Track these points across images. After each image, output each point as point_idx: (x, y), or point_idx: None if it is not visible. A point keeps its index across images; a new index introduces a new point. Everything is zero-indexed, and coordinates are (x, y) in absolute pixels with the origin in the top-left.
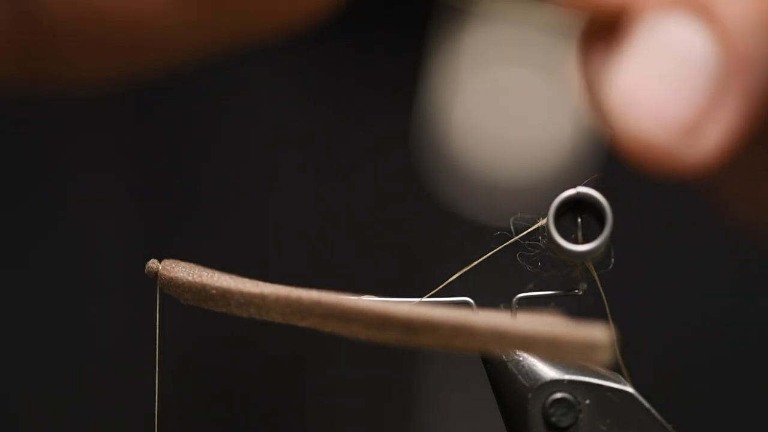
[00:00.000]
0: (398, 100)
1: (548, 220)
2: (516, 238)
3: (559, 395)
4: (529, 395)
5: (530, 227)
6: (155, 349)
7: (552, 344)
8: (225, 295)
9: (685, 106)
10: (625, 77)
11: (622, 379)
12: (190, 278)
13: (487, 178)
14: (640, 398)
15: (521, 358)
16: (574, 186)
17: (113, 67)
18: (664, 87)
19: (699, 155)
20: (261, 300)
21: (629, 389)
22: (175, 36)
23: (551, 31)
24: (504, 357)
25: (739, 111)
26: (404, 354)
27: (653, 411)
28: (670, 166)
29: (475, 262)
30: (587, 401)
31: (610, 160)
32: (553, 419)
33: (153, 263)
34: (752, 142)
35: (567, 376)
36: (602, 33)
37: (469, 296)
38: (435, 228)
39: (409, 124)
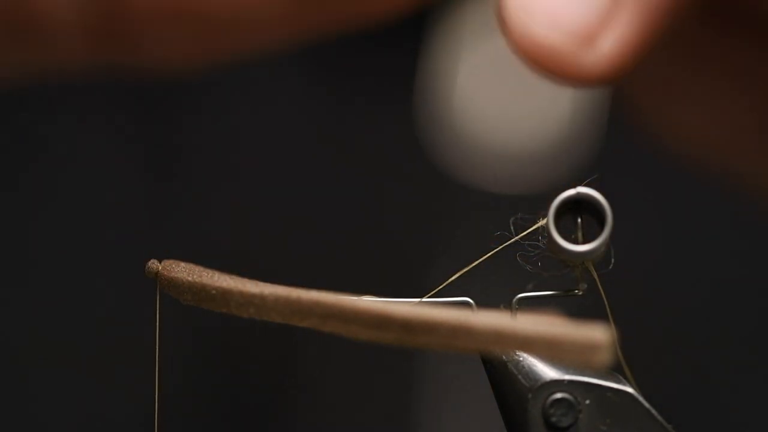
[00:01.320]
0: (400, 75)
1: (548, 221)
2: (516, 238)
3: (559, 395)
4: (529, 395)
5: (530, 227)
6: (155, 349)
7: (552, 345)
8: (225, 295)
9: (581, 11)
10: None
11: (622, 379)
12: (190, 278)
13: (491, 147)
14: (640, 398)
15: (521, 358)
16: (574, 186)
17: (200, 53)
18: None
19: (595, 61)
20: (261, 300)
21: (629, 389)
22: (263, 27)
23: None
24: (504, 357)
25: (638, 17)
26: (404, 354)
27: (653, 411)
28: (566, 72)
29: (475, 262)
30: (587, 401)
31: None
32: (553, 419)
33: (153, 263)
34: (663, 53)
35: (567, 376)
36: None
37: (469, 296)
38: (441, 198)
39: (411, 98)
